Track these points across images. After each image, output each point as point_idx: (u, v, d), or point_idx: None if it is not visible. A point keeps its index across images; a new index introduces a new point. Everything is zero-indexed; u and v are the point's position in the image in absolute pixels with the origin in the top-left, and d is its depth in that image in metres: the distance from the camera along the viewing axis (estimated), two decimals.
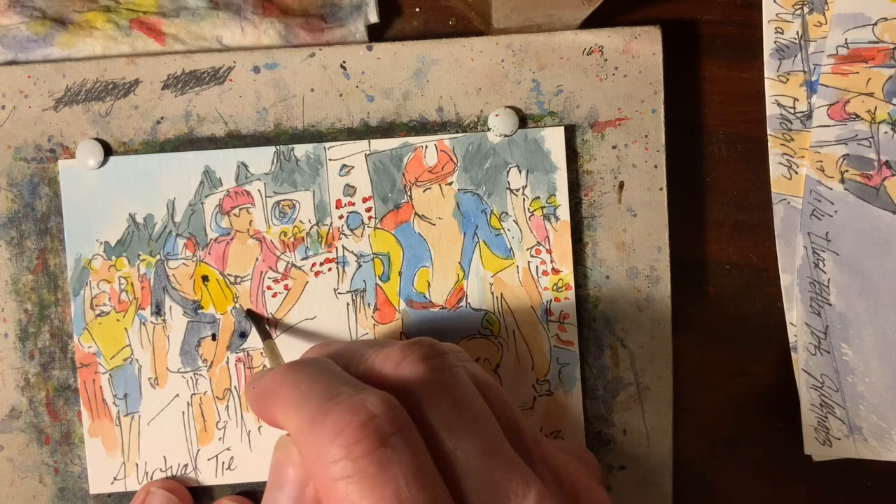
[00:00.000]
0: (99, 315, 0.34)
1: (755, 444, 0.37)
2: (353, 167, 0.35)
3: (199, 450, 0.34)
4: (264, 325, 0.34)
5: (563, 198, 0.35)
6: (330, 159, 0.35)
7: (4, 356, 0.35)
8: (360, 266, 0.35)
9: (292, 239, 0.35)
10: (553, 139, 0.35)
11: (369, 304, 0.35)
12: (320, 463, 0.22)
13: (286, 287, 0.35)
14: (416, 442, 0.22)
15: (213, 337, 0.34)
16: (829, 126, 0.36)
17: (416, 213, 0.35)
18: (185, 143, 0.35)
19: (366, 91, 0.35)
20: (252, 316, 0.34)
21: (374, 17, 0.35)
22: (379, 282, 0.35)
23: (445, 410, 0.24)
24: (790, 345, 0.36)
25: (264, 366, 0.34)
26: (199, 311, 0.35)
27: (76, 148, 0.34)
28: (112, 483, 0.34)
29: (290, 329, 0.34)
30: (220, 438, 0.34)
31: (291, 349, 0.34)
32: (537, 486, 0.23)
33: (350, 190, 0.35)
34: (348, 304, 0.35)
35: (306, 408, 0.23)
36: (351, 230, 0.35)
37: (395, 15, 0.36)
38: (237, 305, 0.34)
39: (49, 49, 0.34)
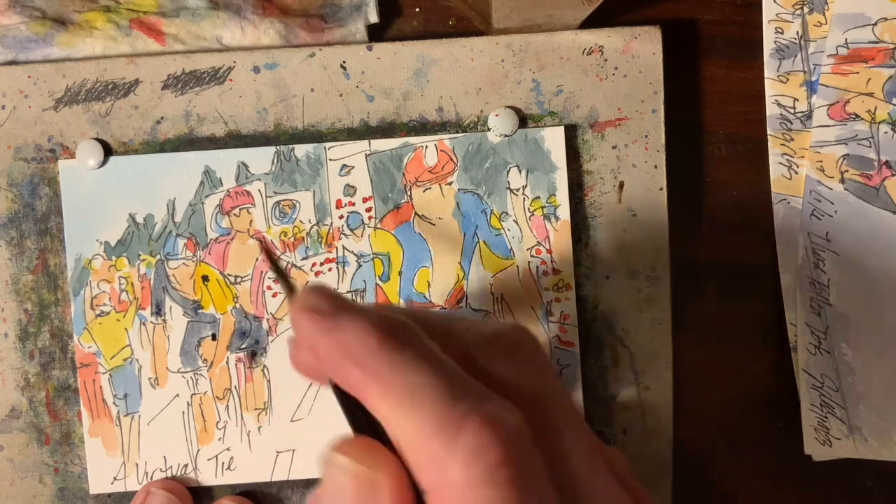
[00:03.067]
0: (99, 315, 0.34)
1: (755, 444, 0.37)
2: (353, 167, 0.35)
3: (199, 450, 0.34)
4: (275, 256, 0.33)
5: (563, 198, 0.35)
6: (330, 159, 0.35)
7: (4, 356, 0.35)
8: (360, 266, 0.35)
9: (292, 239, 0.35)
10: (553, 139, 0.35)
11: (370, 305, 0.35)
12: (449, 481, 0.20)
13: None
14: (540, 461, 0.21)
15: (213, 337, 0.35)
16: (829, 126, 0.36)
17: (416, 213, 0.35)
18: (185, 143, 0.35)
19: (366, 91, 0.35)
20: (266, 251, 0.31)
21: (374, 17, 0.35)
22: (379, 282, 0.35)
23: (567, 412, 0.22)
24: (790, 345, 0.36)
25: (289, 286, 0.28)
26: (200, 311, 0.35)
27: (76, 148, 0.34)
28: (112, 483, 0.34)
29: (290, 330, 0.34)
30: (220, 438, 0.34)
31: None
32: None
33: (350, 190, 0.35)
34: None
35: (426, 410, 0.20)
36: (351, 230, 0.35)
37: (395, 15, 0.36)
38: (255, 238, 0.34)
39: (49, 49, 0.34)
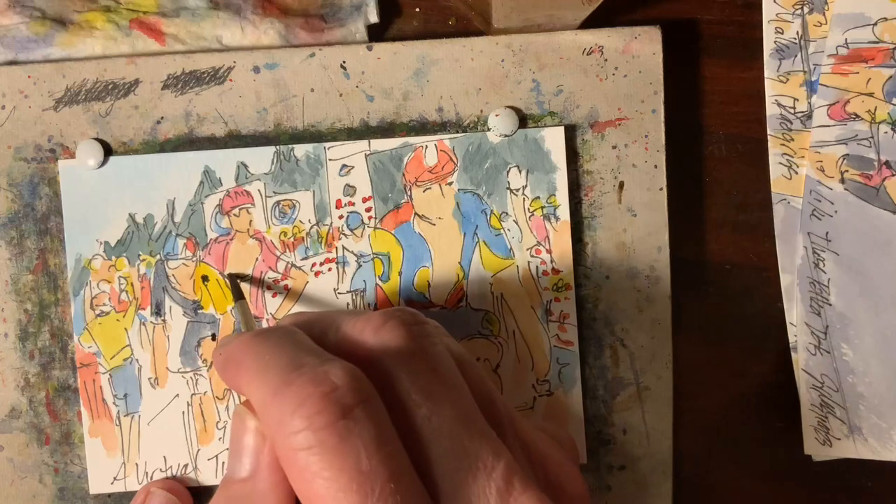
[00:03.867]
0: (99, 315, 0.34)
1: (755, 444, 0.37)
2: (353, 167, 0.35)
3: (199, 450, 0.34)
4: (238, 285, 0.34)
5: (563, 198, 0.35)
6: (330, 159, 0.35)
7: (4, 356, 0.35)
8: (360, 266, 0.35)
9: (292, 239, 0.35)
10: (553, 139, 0.35)
11: (369, 305, 0.35)
12: (282, 433, 0.22)
13: (286, 287, 0.35)
14: (378, 413, 0.23)
15: (213, 337, 0.35)
16: (829, 126, 0.36)
17: (416, 213, 0.35)
18: (185, 143, 0.35)
19: (366, 91, 0.35)
20: (230, 276, 0.34)
21: (374, 17, 0.35)
22: (379, 282, 0.35)
23: (423, 376, 0.24)
24: (790, 345, 0.36)
25: (235, 330, 0.34)
26: (199, 311, 0.35)
27: (76, 148, 0.34)
28: (112, 483, 0.34)
29: None
30: (220, 438, 0.34)
31: None
32: (507, 458, 0.23)
33: (350, 190, 0.35)
34: (348, 304, 0.35)
35: (269, 379, 0.23)
36: (351, 230, 0.35)
37: (395, 15, 0.36)
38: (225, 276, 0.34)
39: (49, 49, 0.34)
